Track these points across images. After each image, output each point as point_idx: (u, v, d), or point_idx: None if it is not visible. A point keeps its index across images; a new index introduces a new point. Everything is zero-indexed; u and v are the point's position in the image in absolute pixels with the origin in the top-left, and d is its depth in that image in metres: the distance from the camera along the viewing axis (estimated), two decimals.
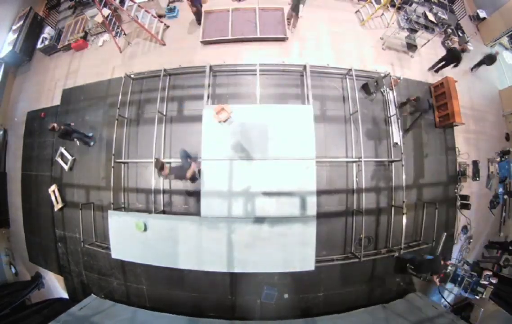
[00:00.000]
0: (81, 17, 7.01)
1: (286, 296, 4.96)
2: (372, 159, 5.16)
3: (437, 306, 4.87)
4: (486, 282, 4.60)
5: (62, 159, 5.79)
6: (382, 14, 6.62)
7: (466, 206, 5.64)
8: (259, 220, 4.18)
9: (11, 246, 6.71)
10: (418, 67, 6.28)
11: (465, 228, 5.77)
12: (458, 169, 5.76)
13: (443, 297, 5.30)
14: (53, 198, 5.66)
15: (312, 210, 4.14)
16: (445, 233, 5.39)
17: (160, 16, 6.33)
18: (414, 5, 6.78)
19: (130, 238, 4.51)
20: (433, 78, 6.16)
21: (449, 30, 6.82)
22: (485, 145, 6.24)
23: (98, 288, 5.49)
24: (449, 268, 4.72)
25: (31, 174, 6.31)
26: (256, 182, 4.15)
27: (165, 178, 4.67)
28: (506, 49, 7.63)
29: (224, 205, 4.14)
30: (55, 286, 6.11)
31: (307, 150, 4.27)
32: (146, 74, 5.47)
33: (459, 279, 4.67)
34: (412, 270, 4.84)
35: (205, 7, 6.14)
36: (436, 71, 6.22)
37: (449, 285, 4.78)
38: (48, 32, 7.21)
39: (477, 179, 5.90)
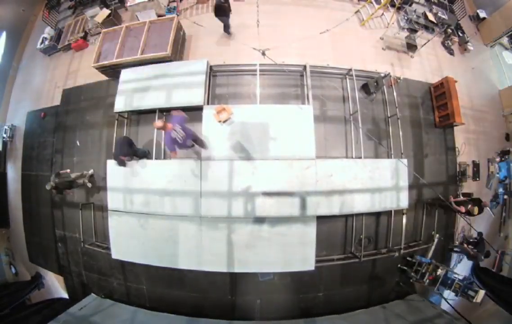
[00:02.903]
0: (81, 17, 7.00)
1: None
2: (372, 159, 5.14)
3: (436, 306, 4.87)
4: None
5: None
6: (382, 14, 6.62)
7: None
8: (259, 220, 4.18)
9: (11, 246, 6.71)
10: (418, 67, 6.27)
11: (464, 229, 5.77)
12: (458, 169, 5.75)
13: (444, 298, 5.28)
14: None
15: (312, 210, 4.14)
16: (437, 235, 5.19)
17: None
18: (414, 5, 6.78)
19: (130, 238, 4.52)
20: (433, 78, 6.16)
21: (449, 30, 6.81)
22: (485, 145, 6.23)
23: (98, 288, 5.49)
24: (439, 271, 4.47)
25: (31, 174, 6.30)
26: (256, 182, 4.16)
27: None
28: (506, 49, 7.63)
29: (224, 205, 4.14)
30: (55, 286, 6.12)
31: (307, 150, 4.27)
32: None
33: (449, 282, 4.41)
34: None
35: None
36: None
37: (440, 289, 4.53)
38: (48, 32, 7.20)
39: (477, 179, 5.89)
